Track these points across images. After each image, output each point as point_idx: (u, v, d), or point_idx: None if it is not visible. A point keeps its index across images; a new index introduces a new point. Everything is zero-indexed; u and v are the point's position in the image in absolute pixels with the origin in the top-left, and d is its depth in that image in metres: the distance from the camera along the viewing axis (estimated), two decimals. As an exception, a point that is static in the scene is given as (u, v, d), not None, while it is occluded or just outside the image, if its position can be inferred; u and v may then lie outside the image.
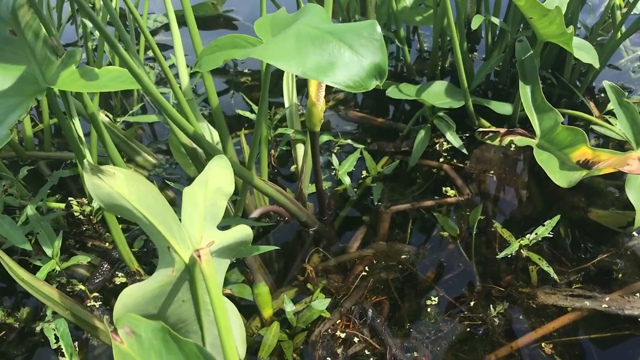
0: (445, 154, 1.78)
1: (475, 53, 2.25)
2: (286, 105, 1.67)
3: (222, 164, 0.97)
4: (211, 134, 1.48)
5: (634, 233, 1.49)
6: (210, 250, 0.86)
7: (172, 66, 2.13)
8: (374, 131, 1.93)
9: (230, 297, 1.37)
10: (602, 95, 2.00)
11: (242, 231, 0.91)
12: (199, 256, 0.77)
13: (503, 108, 1.76)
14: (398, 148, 1.82)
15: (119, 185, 0.85)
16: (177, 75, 1.52)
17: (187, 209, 0.88)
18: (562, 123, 1.40)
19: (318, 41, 0.84)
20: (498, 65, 2.05)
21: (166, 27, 2.60)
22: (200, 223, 0.87)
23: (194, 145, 1.38)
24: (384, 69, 0.87)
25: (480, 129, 1.48)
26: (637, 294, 1.33)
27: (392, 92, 1.72)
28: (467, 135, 1.82)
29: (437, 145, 1.81)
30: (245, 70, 2.28)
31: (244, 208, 1.50)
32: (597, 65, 1.44)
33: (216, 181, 0.94)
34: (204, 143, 1.18)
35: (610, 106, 1.84)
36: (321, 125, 1.31)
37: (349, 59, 0.86)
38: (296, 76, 1.86)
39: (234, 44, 1.13)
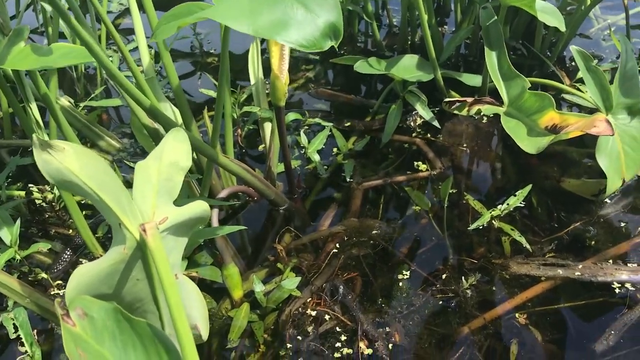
0: (419, 130, 1.75)
1: (445, 26, 2.22)
2: (252, 82, 1.63)
3: (178, 137, 0.93)
4: (175, 115, 1.44)
5: (607, 200, 1.48)
6: (165, 227, 0.83)
7: (137, 49, 2.08)
8: (345, 108, 1.90)
9: (200, 279, 1.34)
10: (573, 64, 1.98)
11: (199, 207, 0.87)
12: (144, 230, 0.74)
13: (473, 80, 1.73)
14: (369, 124, 1.79)
15: (69, 161, 0.81)
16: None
17: (139, 183, 0.84)
18: (530, 89, 1.38)
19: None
20: (468, 38, 2.02)
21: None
22: (154, 198, 0.83)
23: (156, 125, 1.34)
24: (339, 28, 0.84)
25: (447, 99, 1.45)
26: (610, 261, 1.32)
27: (361, 66, 1.68)
28: (439, 109, 1.80)
29: (410, 121, 1.78)
30: (212, 51, 2.23)
31: (212, 189, 1.47)
32: (562, 28, 1.41)
33: (172, 155, 0.90)
34: (162, 118, 1.14)
35: (580, 74, 1.83)
36: (291, 104, 1.28)
37: (303, 17, 0.83)
38: (262, 54, 1.82)
39: (190, 11, 1.09)
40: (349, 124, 1.78)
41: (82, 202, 1.52)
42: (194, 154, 1.43)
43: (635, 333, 1.18)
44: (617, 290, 1.26)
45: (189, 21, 0.97)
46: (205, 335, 0.96)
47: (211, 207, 1.40)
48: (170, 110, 1.43)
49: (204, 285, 1.35)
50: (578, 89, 1.71)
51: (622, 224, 1.42)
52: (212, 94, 1.79)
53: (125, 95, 1.15)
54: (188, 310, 0.95)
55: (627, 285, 1.26)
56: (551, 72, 1.92)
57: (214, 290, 1.34)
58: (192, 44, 2.25)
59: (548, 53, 1.96)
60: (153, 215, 0.81)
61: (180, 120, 1.40)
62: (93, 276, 0.83)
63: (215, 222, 1.40)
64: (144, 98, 1.08)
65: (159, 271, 0.68)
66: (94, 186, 0.81)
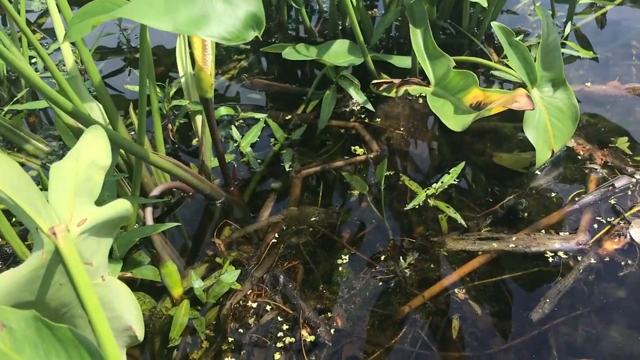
0: (358, 115, 1.75)
1: (375, 9, 2.23)
2: (180, 74, 1.60)
3: (96, 134, 0.90)
4: (102, 114, 1.40)
5: (537, 172, 1.51)
6: (85, 228, 0.80)
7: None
8: (281, 97, 1.88)
9: (140, 279, 1.32)
10: (501, 41, 2.01)
11: (120, 206, 0.84)
12: (54, 233, 0.71)
13: (402, 61, 1.74)
14: (305, 112, 1.78)
15: (-22, 167, 0.77)
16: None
17: (55, 185, 0.81)
18: (460, 68, 1.39)
19: (188, -6, 0.80)
20: (398, 20, 2.03)
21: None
22: (71, 200, 0.80)
23: (80, 125, 1.30)
24: (261, 18, 0.84)
25: (375, 81, 1.46)
26: (543, 231, 1.35)
27: (289, 53, 1.67)
28: (375, 93, 1.80)
29: (348, 107, 1.78)
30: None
31: (145, 187, 1.43)
32: (484, 4, 1.43)
33: (90, 154, 0.87)
34: (83, 118, 1.11)
35: (506, 50, 1.86)
36: (225, 97, 1.26)
37: (223, 10, 0.82)
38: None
39: (104, 9, 1.06)
40: (288, 117, 1.76)
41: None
42: (123, 152, 1.40)
43: (571, 300, 1.21)
44: (550, 260, 1.29)
45: (103, 19, 0.94)
46: (141, 335, 0.94)
47: (145, 205, 1.37)
48: (97, 110, 1.39)
49: (143, 285, 1.32)
50: (506, 65, 1.74)
51: (553, 194, 1.45)
52: (137, 88, 1.75)
53: (44, 97, 1.10)
54: (120, 312, 0.92)
55: (560, 253, 1.30)
56: (480, 50, 1.95)
57: (153, 290, 1.31)
58: (120, 40, 2.19)
59: (476, 31, 1.99)
60: (71, 217, 0.78)
61: (107, 120, 1.36)
62: (12, 284, 0.79)
63: (149, 221, 1.37)
64: (62, 99, 1.05)
65: (72, 274, 0.66)
66: (8, 191, 0.78)
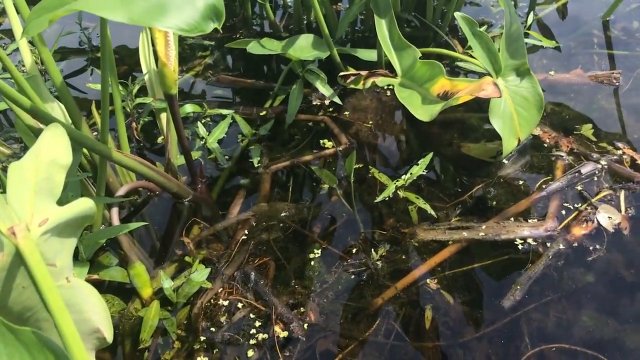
0: (327, 109, 1.74)
1: (340, 4, 2.22)
2: (144, 72, 1.57)
3: (56, 133, 0.87)
4: (64, 114, 1.36)
5: (504, 161, 1.52)
6: (47, 228, 0.78)
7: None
8: (248, 93, 1.86)
9: (108, 281, 1.29)
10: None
11: (83, 205, 0.82)
12: (14, 233, 0.69)
13: (368, 54, 1.74)
14: (271, 108, 1.76)
15: None
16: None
17: (14, 185, 0.78)
18: (425, 59, 1.39)
19: (145, -15, 0.78)
20: (362, 13, 2.03)
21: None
22: (31, 199, 0.78)
23: (40, 125, 1.27)
24: (220, 9, 0.82)
25: (342, 73, 1.45)
26: (512, 219, 1.36)
27: (254, 47, 1.65)
28: (343, 87, 1.80)
29: (316, 101, 1.77)
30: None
31: (110, 187, 1.40)
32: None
33: (50, 152, 0.85)
34: (44, 118, 1.08)
35: (470, 41, 1.88)
36: (190, 94, 1.23)
37: (181, 1, 0.81)
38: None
39: (60, 3, 1.03)
40: (263, 113, 1.74)
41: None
42: (86, 152, 1.37)
43: (542, 286, 1.22)
44: (520, 247, 1.30)
45: (60, 14, 0.91)
46: (109, 337, 0.92)
47: (110, 205, 1.35)
48: (58, 110, 1.35)
49: (111, 287, 1.29)
50: (470, 56, 1.75)
51: (521, 182, 1.46)
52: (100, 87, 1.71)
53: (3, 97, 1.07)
54: (88, 315, 0.90)
55: (529, 240, 1.31)
56: (445, 42, 1.96)
57: (122, 292, 1.28)
58: (81, 39, 2.14)
59: (440, 23, 2.00)
60: (31, 216, 0.76)
61: (69, 120, 1.33)
62: (-28, 289, 0.76)
63: (116, 221, 1.34)
64: (21, 98, 1.01)
65: (34, 275, 0.64)
66: (-37, 193, 0.75)
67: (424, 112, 1.23)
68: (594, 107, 1.69)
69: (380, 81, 1.38)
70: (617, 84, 1.75)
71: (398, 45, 1.37)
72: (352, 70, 1.77)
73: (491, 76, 1.41)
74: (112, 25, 1.13)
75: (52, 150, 0.85)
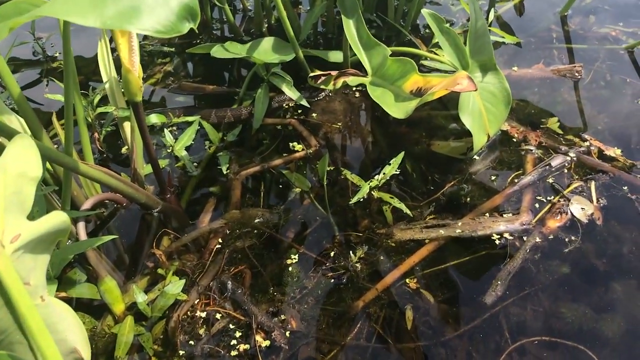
0: (294, 112, 1.72)
1: (300, 6, 2.20)
2: (104, 80, 1.52)
3: (23, 144, 0.82)
4: (22, 127, 1.30)
5: (475, 157, 1.52)
6: (19, 244, 0.73)
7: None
8: (211, 100, 1.82)
9: (77, 299, 1.24)
10: (427, 31, 2.03)
11: (56, 218, 0.77)
12: (-15, 251, 0.64)
13: (334, 56, 1.72)
14: (238, 113, 1.72)
15: None
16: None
17: (-21, 202, 0.73)
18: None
19: (115, -13, 0.75)
20: (324, 15, 2.01)
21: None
22: (1, 216, 0.73)
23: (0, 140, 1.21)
24: (195, 9, 0.80)
25: (312, 74, 1.43)
26: (487, 214, 1.36)
27: (217, 51, 1.61)
28: (308, 88, 1.78)
29: (283, 104, 1.74)
30: (57, 54, 2.06)
31: (75, 201, 1.35)
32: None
33: (18, 165, 0.80)
34: (3, 130, 1.02)
35: (435, 39, 1.88)
36: (152, 103, 1.19)
37: (154, 2, 0.78)
38: (113, 52, 1.70)
39: (19, 10, 0.99)
40: (216, 115, 1.70)
41: None
42: (49, 165, 1.31)
43: (521, 280, 1.22)
44: (497, 242, 1.30)
45: (21, 21, 0.87)
46: (87, 357, 0.87)
47: (76, 219, 1.29)
48: (16, 122, 1.29)
49: (81, 305, 1.24)
50: (435, 54, 1.75)
51: (493, 178, 1.47)
52: (60, 98, 1.65)
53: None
54: (64, 334, 0.85)
55: (506, 235, 1.31)
56: (408, 41, 1.96)
57: (93, 309, 1.23)
58: (34, 49, 2.07)
59: (402, 22, 2.00)
60: (2, 233, 0.71)
61: (28, 132, 1.27)
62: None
63: (83, 236, 1.29)
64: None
65: (11, 294, 0.59)
66: None
67: (398, 110, 1.22)
68: (558, 101, 1.71)
69: (352, 80, 1.37)
70: (579, 77, 1.78)
71: (367, 43, 1.36)
72: (318, 72, 1.75)
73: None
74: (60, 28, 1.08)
75: (20, 163, 0.80)
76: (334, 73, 1.39)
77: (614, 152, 1.50)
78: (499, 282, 1.21)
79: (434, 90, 1.14)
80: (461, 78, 1.10)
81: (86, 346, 0.88)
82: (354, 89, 1.75)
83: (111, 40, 1.94)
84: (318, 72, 1.42)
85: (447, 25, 1.43)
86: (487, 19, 1.98)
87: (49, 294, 1.08)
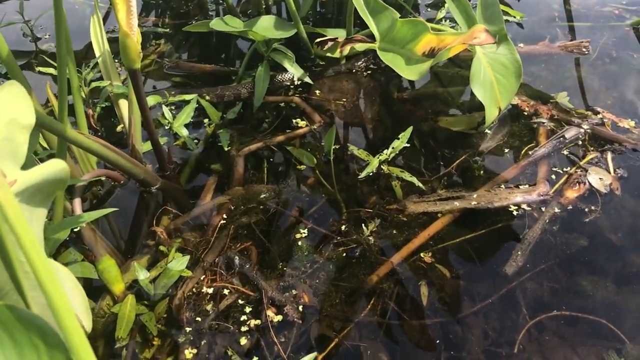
0: (296, 90, 1.66)
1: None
2: (97, 54, 1.45)
3: (14, 91, 0.76)
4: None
5: (487, 131, 1.47)
6: (16, 191, 0.66)
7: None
8: (209, 79, 1.75)
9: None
10: (428, 10, 1.99)
11: (55, 166, 0.70)
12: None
13: (337, 33, 1.66)
14: (238, 90, 1.65)
15: None
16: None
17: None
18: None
19: None
20: (323, -5, 1.96)
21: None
22: (-7, 162, 0.66)
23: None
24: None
25: (319, 40, 1.37)
26: (502, 186, 1.31)
27: (217, 24, 1.55)
28: (311, 65, 1.72)
29: (283, 80, 1.68)
30: (47, 36, 1.98)
31: (71, 177, 1.28)
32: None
33: (9, 112, 0.73)
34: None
35: (439, 15, 1.83)
36: (145, 83, 1.12)
37: None
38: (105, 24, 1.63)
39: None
40: (216, 93, 1.64)
41: None
42: (42, 138, 1.24)
43: (542, 250, 1.17)
44: (515, 213, 1.25)
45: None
46: (88, 327, 0.81)
47: (72, 196, 1.23)
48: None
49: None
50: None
51: (506, 151, 1.42)
52: (52, 70, 1.58)
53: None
54: (63, 303, 0.78)
55: (524, 206, 1.26)
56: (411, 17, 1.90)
57: (90, 290, 1.15)
58: (23, 31, 1.99)
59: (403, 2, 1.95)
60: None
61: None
62: None
63: (79, 212, 1.22)
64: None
65: (19, 238, 0.51)
66: None
67: (411, 72, 1.16)
68: (567, 76, 1.67)
69: (359, 46, 1.31)
70: (586, 52, 1.74)
71: (374, 8, 1.30)
72: (319, 51, 1.69)
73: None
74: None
75: (11, 109, 0.74)
76: (340, 39, 1.33)
77: (627, 124, 1.45)
78: (519, 253, 1.15)
79: (450, 45, 1.08)
80: (478, 32, 1.04)
81: (87, 315, 0.82)
82: (361, 69, 1.69)
83: (104, 20, 1.87)
84: (324, 38, 1.36)
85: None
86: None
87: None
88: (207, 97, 1.61)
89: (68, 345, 0.53)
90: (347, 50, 1.32)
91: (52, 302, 0.54)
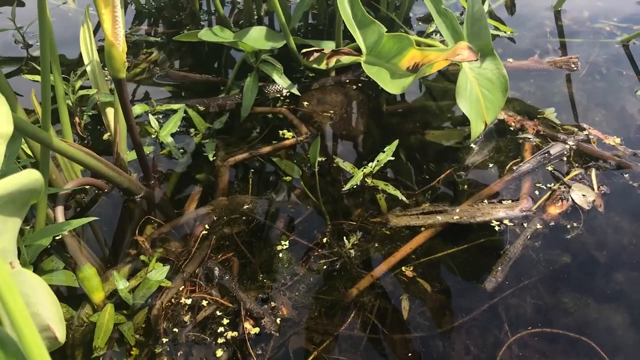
0: (284, 100, 1.67)
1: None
2: (86, 62, 1.45)
3: (-9, 103, 0.76)
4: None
5: (472, 145, 1.48)
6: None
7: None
8: (199, 89, 1.76)
9: (53, 288, 1.16)
10: (419, 24, 2.00)
11: (28, 176, 0.70)
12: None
13: (326, 45, 1.67)
14: (225, 102, 1.66)
15: None
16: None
17: (-58, 159, 0.66)
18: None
19: None
20: (315, 7, 1.97)
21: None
22: (-36, 174, 0.66)
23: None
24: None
25: (305, 50, 1.37)
26: (485, 201, 1.31)
27: (205, 34, 1.55)
28: (300, 76, 1.72)
29: (270, 92, 1.69)
30: (38, 43, 1.99)
31: (53, 185, 1.28)
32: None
33: (-16, 123, 0.73)
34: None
35: (429, 28, 1.84)
36: (135, 92, 1.12)
37: None
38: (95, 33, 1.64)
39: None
40: (204, 103, 1.64)
41: None
42: (25, 145, 1.24)
43: (522, 267, 1.17)
44: (496, 228, 1.25)
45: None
46: (62, 337, 0.80)
47: (55, 203, 1.23)
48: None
49: (57, 294, 1.16)
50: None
51: (490, 166, 1.42)
52: (38, 78, 1.58)
53: None
54: (36, 308, 0.78)
55: (505, 221, 1.26)
56: (403, 31, 1.91)
57: (70, 299, 1.16)
58: (15, 37, 1.99)
59: (395, 16, 1.96)
60: (-35, 191, 0.64)
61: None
62: None
63: (61, 220, 1.22)
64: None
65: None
66: None
67: (394, 86, 1.16)
68: (555, 92, 1.67)
69: (345, 59, 1.31)
70: (575, 68, 1.75)
71: (362, 21, 1.30)
72: (308, 62, 1.70)
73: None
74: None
75: (-12, 121, 0.74)
76: (327, 51, 1.34)
77: (613, 140, 1.45)
78: (499, 268, 1.15)
79: (434, 60, 1.09)
80: (461, 48, 1.05)
81: (60, 324, 0.81)
82: (348, 81, 1.70)
83: (96, 30, 1.88)
84: (310, 49, 1.36)
85: (444, 6, 1.38)
86: (481, 11, 1.95)
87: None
88: (199, 107, 1.61)
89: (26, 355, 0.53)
90: (332, 62, 1.32)
91: (10, 312, 0.54)
